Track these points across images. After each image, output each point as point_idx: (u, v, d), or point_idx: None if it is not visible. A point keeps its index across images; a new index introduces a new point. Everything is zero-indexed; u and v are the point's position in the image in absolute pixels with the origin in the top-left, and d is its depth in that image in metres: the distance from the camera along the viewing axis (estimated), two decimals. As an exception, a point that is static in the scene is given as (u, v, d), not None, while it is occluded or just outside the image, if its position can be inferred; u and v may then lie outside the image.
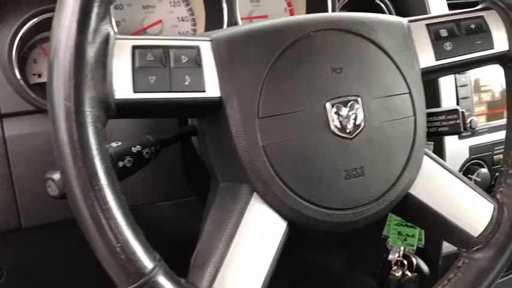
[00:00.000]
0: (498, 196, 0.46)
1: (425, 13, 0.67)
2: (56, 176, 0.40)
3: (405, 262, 0.74)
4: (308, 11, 0.66)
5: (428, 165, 0.44)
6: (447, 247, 0.75)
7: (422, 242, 0.72)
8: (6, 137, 0.50)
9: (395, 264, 0.74)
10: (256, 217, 0.39)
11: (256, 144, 0.38)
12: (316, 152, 0.39)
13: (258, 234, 0.39)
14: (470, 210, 0.45)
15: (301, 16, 0.42)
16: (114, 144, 0.44)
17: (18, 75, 0.50)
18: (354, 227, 0.42)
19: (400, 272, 0.74)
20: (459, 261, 0.46)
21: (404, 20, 0.45)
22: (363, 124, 0.40)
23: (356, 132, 0.40)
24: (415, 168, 0.43)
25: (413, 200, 0.44)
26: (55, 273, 0.61)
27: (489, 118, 0.73)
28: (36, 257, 0.58)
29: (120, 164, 0.43)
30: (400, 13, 0.68)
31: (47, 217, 0.52)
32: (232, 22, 0.59)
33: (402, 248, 0.73)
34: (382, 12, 0.67)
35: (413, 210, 0.45)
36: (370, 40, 0.42)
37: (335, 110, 0.40)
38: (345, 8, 0.65)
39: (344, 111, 0.40)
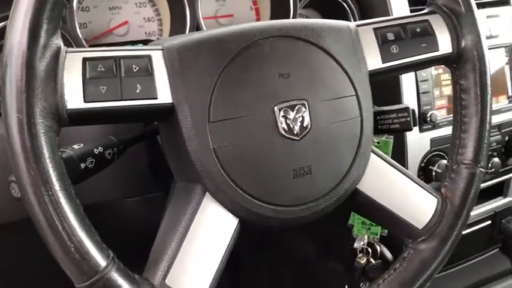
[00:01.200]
0: (442, 190, 0.49)
1: (388, 13, 0.69)
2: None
3: (369, 250, 0.77)
4: (273, 10, 0.68)
5: (375, 162, 0.47)
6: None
7: (386, 231, 0.76)
8: None
9: (361, 252, 0.77)
10: (208, 215, 0.41)
11: (207, 147, 0.40)
12: (265, 154, 0.42)
13: (209, 232, 0.41)
14: (415, 204, 0.48)
15: (250, 24, 0.44)
16: (76, 147, 0.47)
17: None
18: (303, 222, 0.45)
19: (365, 259, 0.77)
20: (405, 252, 0.49)
21: (352, 25, 0.47)
22: (309, 126, 0.43)
23: (303, 134, 0.43)
24: (362, 166, 0.46)
25: (361, 195, 0.47)
26: (28, 269, 0.63)
27: (449, 111, 0.76)
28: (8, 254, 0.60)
29: (82, 165, 0.46)
30: (363, 13, 0.70)
31: (14, 215, 0.54)
32: (195, 22, 0.61)
33: (367, 237, 0.76)
34: (345, 11, 0.69)
35: (362, 205, 0.48)
36: (318, 46, 0.44)
37: (283, 114, 0.42)
38: (308, 7, 0.67)
39: (291, 114, 0.42)
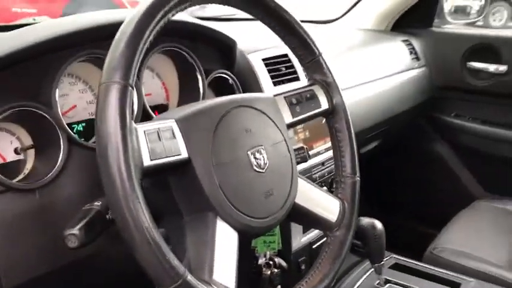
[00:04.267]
0: (339, 195, 0.76)
1: (259, 87, 0.97)
2: (75, 231, 0.54)
3: (271, 263, 1.00)
4: (181, 89, 0.88)
5: (301, 182, 0.71)
6: (294, 247, 1.05)
7: (280, 245, 1.00)
8: None
9: (265, 266, 0.99)
10: (222, 232, 0.59)
11: (215, 183, 0.59)
12: (249, 183, 0.62)
13: (226, 244, 0.59)
14: (328, 206, 0.74)
15: (225, 97, 0.65)
16: (98, 203, 0.59)
17: None
18: (270, 229, 0.66)
19: (269, 271, 0.99)
20: (327, 240, 0.74)
21: (271, 95, 0.72)
22: (268, 162, 0.65)
23: (265, 168, 0.64)
24: (295, 185, 0.69)
25: (297, 205, 0.70)
26: None
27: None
28: None
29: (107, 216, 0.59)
30: (244, 88, 0.95)
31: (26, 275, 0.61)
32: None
33: (268, 253, 0.99)
34: (233, 88, 0.94)
35: (297, 212, 0.71)
36: (260, 110, 0.67)
37: (253, 156, 0.63)
38: (209, 85, 0.89)
39: (258, 155, 0.64)
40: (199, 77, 0.86)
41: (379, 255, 0.95)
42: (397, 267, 1.08)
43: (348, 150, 0.77)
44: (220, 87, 0.92)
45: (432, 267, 1.08)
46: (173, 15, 0.57)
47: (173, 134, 0.57)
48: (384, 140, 1.62)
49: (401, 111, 1.54)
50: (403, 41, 1.64)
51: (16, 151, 0.68)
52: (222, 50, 0.91)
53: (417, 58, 1.65)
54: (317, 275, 0.70)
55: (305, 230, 1.06)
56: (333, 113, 0.78)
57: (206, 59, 0.87)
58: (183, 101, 0.88)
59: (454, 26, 1.77)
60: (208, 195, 0.58)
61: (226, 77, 0.92)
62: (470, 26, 1.89)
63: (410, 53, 1.63)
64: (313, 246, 1.09)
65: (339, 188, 0.77)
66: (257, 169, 0.63)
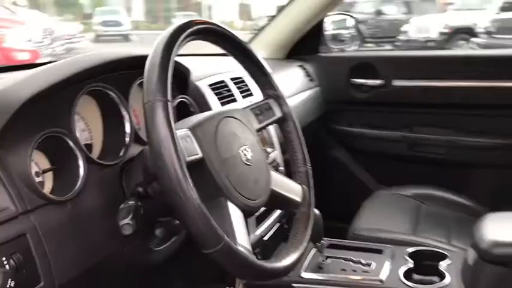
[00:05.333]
0: (298, 181, 0.97)
1: (209, 108, 1.15)
2: (128, 221, 0.68)
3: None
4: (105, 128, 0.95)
5: (271, 172, 0.91)
6: (251, 240, 1.23)
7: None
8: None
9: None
10: (233, 211, 0.76)
11: (224, 175, 0.76)
12: (243, 174, 0.80)
13: (237, 219, 0.76)
14: (293, 189, 0.94)
15: (214, 111, 0.83)
16: (131, 202, 0.74)
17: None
18: (258, 210, 0.84)
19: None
20: (296, 216, 0.93)
21: (242, 108, 0.91)
22: (252, 158, 0.83)
23: (251, 162, 0.83)
24: (270, 175, 0.89)
25: (272, 191, 0.89)
26: None
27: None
28: None
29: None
30: (200, 108, 1.13)
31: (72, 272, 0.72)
32: None
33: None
34: (192, 110, 1.11)
35: (273, 196, 0.90)
36: (239, 119, 0.86)
37: (242, 153, 0.82)
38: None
39: (245, 152, 0.82)
40: (124, 113, 0.91)
41: (319, 236, 1.17)
42: (331, 246, 1.31)
43: (299, 146, 0.99)
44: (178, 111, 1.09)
45: (358, 242, 1.34)
46: (186, 42, 0.74)
47: (190, 139, 0.74)
48: None
49: (304, 125, 1.81)
50: (299, 66, 1.94)
51: (37, 174, 0.78)
52: (180, 78, 1.08)
53: (311, 80, 1.96)
54: (297, 241, 0.90)
55: (258, 223, 1.25)
56: (285, 120, 0.99)
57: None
58: (108, 139, 0.91)
59: (338, 50, 2.12)
60: (220, 185, 0.75)
61: (186, 100, 1.09)
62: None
63: (305, 75, 1.94)
64: (264, 238, 1.29)
65: (297, 176, 0.98)
66: (247, 163, 0.82)
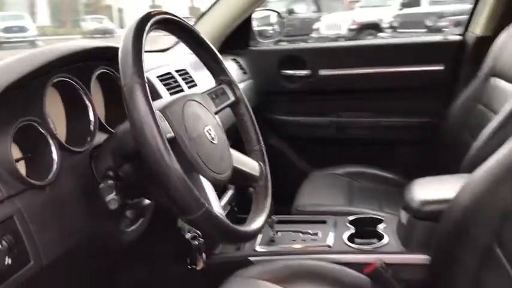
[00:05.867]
0: (254, 158, 1.06)
1: (158, 94, 1.20)
2: (114, 196, 0.73)
3: (196, 235, 1.23)
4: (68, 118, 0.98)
5: (231, 150, 0.99)
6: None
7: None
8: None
9: (193, 238, 1.22)
10: (205, 184, 0.83)
11: (194, 151, 0.83)
12: (210, 151, 0.87)
13: (210, 191, 0.83)
14: (251, 166, 1.03)
15: (179, 94, 0.89)
16: (110, 181, 0.78)
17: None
18: (225, 182, 0.92)
19: (196, 242, 1.22)
20: (256, 189, 1.02)
21: (200, 92, 0.98)
22: (215, 137, 0.91)
23: (215, 141, 0.90)
24: (230, 153, 0.97)
25: (233, 167, 0.97)
26: None
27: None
28: None
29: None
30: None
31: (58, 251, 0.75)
32: None
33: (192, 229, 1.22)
34: None
35: (236, 173, 0.98)
36: (200, 102, 0.93)
37: (207, 133, 0.89)
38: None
39: (210, 132, 0.90)
40: (87, 103, 0.94)
41: (269, 213, 1.27)
42: (279, 222, 1.42)
43: (252, 127, 1.08)
44: None
45: (303, 216, 1.46)
46: (151, 31, 0.80)
47: (162, 119, 0.80)
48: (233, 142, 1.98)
49: None
50: (232, 59, 2.02)
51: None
52: None
53: (244, 72, 2.06)
54: (260, 209, 0.98)
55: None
56: (238, 103, 1.08)
57: None
58: (72, 128, 0.94)
59: (268, 44, 2.24)
60: (192, 161, 0.82)
61: None
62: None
63: (239, 68, 2.03)
64: None
65: (253, 154, 1.07)
66: (212, 141, 0.89)
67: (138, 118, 0.70)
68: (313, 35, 10.73)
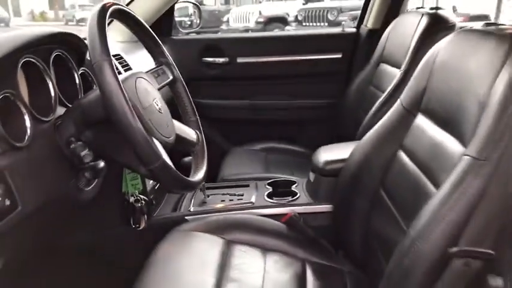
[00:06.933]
0: (191, 127, 1.26)
1: None
2: (86, 151, 0.91)
3: (138, 198, 1.41)
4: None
5: (175, 122, 1.19)
6: (148, 186, 1.49)
7: (141, 186, 1.43)
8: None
9: (135, 202, 1.40)
10: (158, 145, 1.02)
11: (148, 118, 1.02)
12: (159, 119, 1.07)
13: (161, 149, 1.03)
14: (189, 133, 1.23)
15: (130, 72, 1.07)
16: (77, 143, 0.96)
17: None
18: (172, 144, 1.11)
19: (139, 204, 1.41)
20: (195, 151, 1.23)
21: (145, 71, 1.17)
22: (161, 108, 1.10)
23: (163, 111, 1.10)
24: (173, 122, 1.17)
25: (178, 135, 1.17)
26: None
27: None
28: None
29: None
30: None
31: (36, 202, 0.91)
32: None
33: (136, 191, 1.41)
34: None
35: (178, 139, 1.17)
36: (146, 79, 1.12)
37: (155, 104, 1.08)
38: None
39: (157, 103, 1.09)
40: (48, 80, 1.07)
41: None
42: (209, 188, 1.64)
43: (188, 102, 1.29)
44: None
45: (229, 182, 1.70)
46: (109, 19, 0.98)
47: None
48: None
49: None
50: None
51: None
52: (79, 53, 1.28)
53: (167, 59, 2.24)
54: (199, 169, 1.20)
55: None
56: (175, 81, 1.28)
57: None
58: (34, 102, 1.03)
59: (186, 34, 2.43)
60: (146, 126, 1.01)
61: (85, 72, 1.29)
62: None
63: (162, 56, 2.20)
64: (156, 188, 1.55)
65: (190, 124, 1.27)
66: (160, 111, 1.09)
67: (109, 90, 0.88)
68: (223, 27, 10.96)
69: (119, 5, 1.07)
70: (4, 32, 1.07)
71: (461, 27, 1.28)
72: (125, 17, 1.11)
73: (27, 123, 0.97)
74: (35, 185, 0.94)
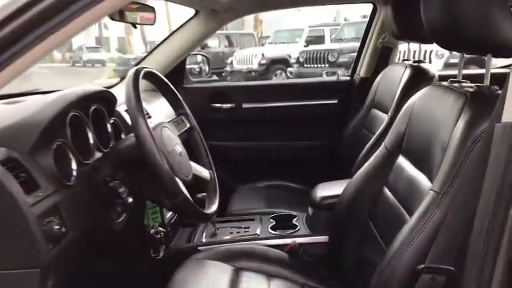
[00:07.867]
0: (205, 168, 1.47)
1: (127, 125, 1.58)
2: (123, 188, 1.12)
3: (158, 230, 1.60)
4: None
5: (192, 163, 1.40)
6: (166, 220, 1.68)
7: (160, 219, 1.62)
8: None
9: (155, 233, 1.59)
10: (179, 183, 1.23)
11: (171, 160, 1.23)
12: (180, 161, 1.28)
13: (184, 188, 1.23)
14: (204, 173, 1.44)
15: (156, 122, 1.29)
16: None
17: None
18: (190, 183, 1.32)
19: (158, 235, 1.60)
20: (208, 188, 1.43)
21: (167, 121, 1.39)
22: (181, 151, 1.32)
23: (182, 155, 1.31)
24: (191, 164, 1.38)
25: (195, 174, 1.37)
26: None
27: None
28: None
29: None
30: (124, 126, 1.56)
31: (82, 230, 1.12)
32: None
33: (156, 224, 1.60)
34: (120, 127, 1.53)
35: (195, 178, 1.38)
36: (169, 128, 1.34)
37: (177, 148, 1.30)
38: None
39: (179, 148, 1.30)
40: (88, 130, 1.30)
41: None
42: (219, 222, 1.84)
43: (202, 146, 1.50)
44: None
45: (236, 216, 1.90)
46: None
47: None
48: None
49: None
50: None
51: None
52: (110, 104, 1.51)
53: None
54: (212, 203, 1.40)
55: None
56: (192, 129, 1.49)
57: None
58: (77, 147, 1.25)
59: (196, 82, 2.68)
60: (171, 167, 1.22)
61: (115, 121, 1.52)
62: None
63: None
64: (172, 221, 1.75)
65: (204, 165, 1.48)
66: (181, 154, 1.30)
67: (143, 138, 1.10)
68: (227, 68, 11.34)
69: (148, 68, 1.30)
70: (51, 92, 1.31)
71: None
72: (152, 77, 1.34)
73: (73, 165, 1.18)
74: (79, 217, 1.14)
